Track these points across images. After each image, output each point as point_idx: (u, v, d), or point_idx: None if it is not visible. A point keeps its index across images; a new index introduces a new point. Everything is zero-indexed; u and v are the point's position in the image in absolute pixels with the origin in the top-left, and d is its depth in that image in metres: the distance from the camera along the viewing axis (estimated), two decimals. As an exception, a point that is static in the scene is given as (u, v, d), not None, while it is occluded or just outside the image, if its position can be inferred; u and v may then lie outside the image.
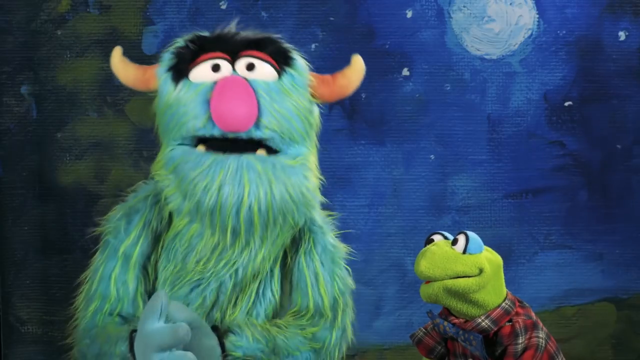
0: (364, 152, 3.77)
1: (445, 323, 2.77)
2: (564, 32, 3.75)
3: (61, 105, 3.73)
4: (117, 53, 2.83)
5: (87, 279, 2.82)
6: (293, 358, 2.76)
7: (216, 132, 2.61)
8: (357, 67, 2.79)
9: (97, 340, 2.73)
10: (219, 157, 2.60)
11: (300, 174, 2.65)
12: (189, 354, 2.51)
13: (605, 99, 3.77)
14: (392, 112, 3.76)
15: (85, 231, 3.71)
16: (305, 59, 2.78)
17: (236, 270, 2.71)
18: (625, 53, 3.75)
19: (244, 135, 2.61)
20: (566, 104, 3.78)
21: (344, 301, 2.83)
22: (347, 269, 2.87)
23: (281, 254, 2.81)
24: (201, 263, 2.70)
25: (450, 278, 2.72)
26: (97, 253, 2.82)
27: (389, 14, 3.73)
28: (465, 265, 2.71)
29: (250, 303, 2.77)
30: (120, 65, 2.81)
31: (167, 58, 2.71)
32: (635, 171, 3.79)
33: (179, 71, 2.67)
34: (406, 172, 3.78)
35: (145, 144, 3.71)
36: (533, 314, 2.81)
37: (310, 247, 2.81)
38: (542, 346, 2.75)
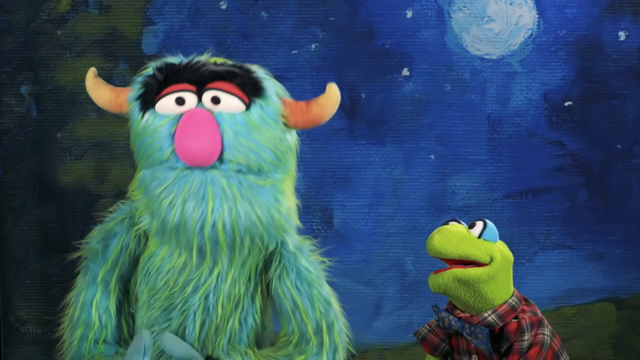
0: (364, 152, 3.77)
1: (451, 317, 2.77)
2: (564, 32, 3.75)
3: (61, 105, 3.74)
4: (91, 74, 2.82)
5: (70, 301, 2.82)
6: None
7: (180, 166, 2.61)
8: (331, 96, 2.73)
9: None
10: (184, 172, 2.60)
11: (269, 195, 2.63)
12: None
13: (605, 99, 3.77)
14: (392, 112, 3.76)
15: (85, 231, 3.72)
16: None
17: (206, 296, 2.69)
18: (625, 53, 3.75)
19: (209, 167, 2.60)
20: (566, 104, 3.78)
21: (328, 322, 2.78)
22: (330, 290, 2.81)
23: (259, 279, 2.78)
24: (170, 285, 2.69)
25: (460, 258, 2.71)
26: (79, 276, 2.82)
27: (389, 14, 3.73)
28: (478, 249, 2.72)
29: (233, 332, 2.75)
30: (94, 87, 2.80)
31: (136, 85, 2.70)
32: (635, 171, 3.79)
33: (146, 101, 2.66)
34: (406, 172, 3.78)
35: (145, 144, 3.70)
36: (539, 311, 2.82)
37: (282, 273, 2.76)
38: (547, 343, 2.76)
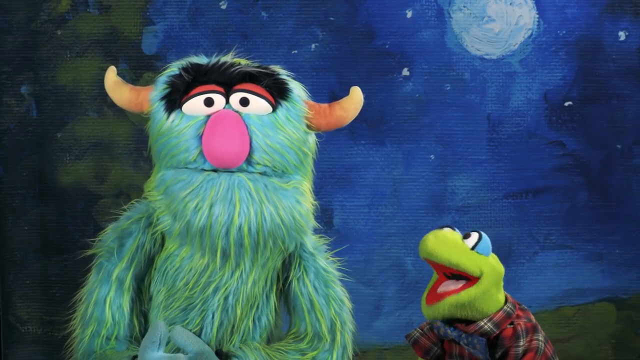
0: (364, 152, 3.77)
1: (447, 326, 2.76)
2: (564, 32, 3.75)
3: (61, 105, 3.74)
4: (111, 73, 2.80)
5: (82, 299, 2.82)
6: None
7: (207, 167, 2.62)
8: (355, 99, 2.75)
9: None
10: (210, 175, 2.60)
11: (292, 197, 2.64)
12: None
13: (605, 99, 3.77)
14: (392, 112, 3.76)
15: (85, 231, 3.72)
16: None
17: (226, 297, 2.70)
18: (625, 53, 3.75)
19: (235, 170, 2.61)
20: (566, 104, 3.78)
21: (342, 320, 2.81)
22: (342, 289, 2.84)
23: (275, 278, 2.79)
24: (190, 286, 2.69)
25: (450, 266, 2.69)
26: (92, 274, 2.81)
27: (389, 14, 3.73)
28: (469, 260, 2.70)
29: (246, 331, 2.76)
30: (114, 86, 2.78)
31: (160, 85, 2.69)
32: (635, 171, 3.79)
33: (172, 101, 2.65)
34: (406, 172, 3.78)
35: (145, 144, 3.68)
36: (533, 317, 2.81)
37: (302, 273, 2.79)
38: (541, 349, 2.75)
